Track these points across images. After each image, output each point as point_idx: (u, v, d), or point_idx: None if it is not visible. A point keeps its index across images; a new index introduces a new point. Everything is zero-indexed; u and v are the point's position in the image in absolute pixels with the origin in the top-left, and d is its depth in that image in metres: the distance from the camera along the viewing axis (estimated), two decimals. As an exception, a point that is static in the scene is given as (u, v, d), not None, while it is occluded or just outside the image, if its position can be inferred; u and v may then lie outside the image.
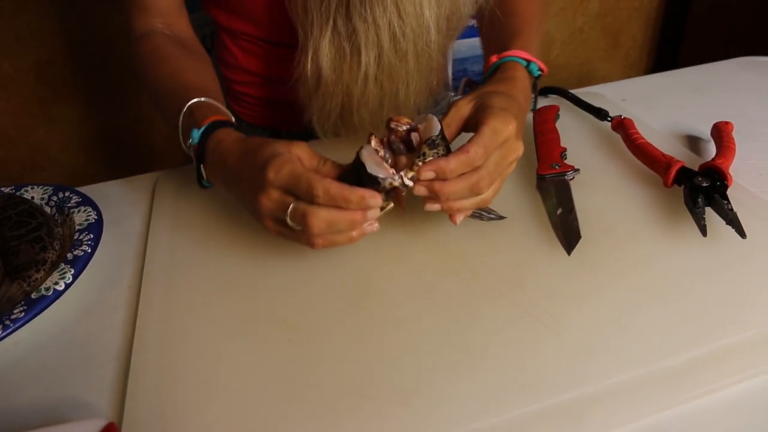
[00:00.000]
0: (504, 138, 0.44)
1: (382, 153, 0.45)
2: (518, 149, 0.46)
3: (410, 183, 0.43)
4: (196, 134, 0.50)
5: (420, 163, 0.43)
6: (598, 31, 1.58)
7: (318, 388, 0.38)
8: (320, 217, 0.41)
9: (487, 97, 0.48)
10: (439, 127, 0.44)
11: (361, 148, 0.44)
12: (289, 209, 0.42)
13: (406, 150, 0.46)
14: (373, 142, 0.45)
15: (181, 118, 0.53)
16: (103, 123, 1.30)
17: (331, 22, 0.53)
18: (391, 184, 0.42)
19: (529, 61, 0.56)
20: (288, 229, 0.44)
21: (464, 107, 0.48)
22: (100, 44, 1.17)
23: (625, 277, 0.45)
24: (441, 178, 0.43)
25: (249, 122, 0.78)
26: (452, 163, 0.42)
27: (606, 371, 0.38)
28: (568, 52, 1.58)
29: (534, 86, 0.59)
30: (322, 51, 0.55)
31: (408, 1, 0.52)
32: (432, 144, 0.43)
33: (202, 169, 0.51)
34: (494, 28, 0.63)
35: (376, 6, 0.52)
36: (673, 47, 1.62)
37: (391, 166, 0.44)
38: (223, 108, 0.54)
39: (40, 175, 1.31)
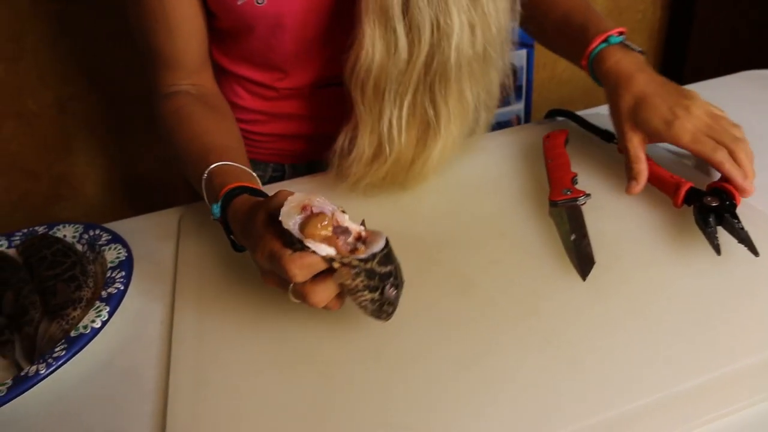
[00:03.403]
0: (705, 121, 0.55)
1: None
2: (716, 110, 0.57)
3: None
4: (216, 209, 0.51)
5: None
6: (603, 44, 1.59)
7: (343, 418, 0.40)
8: (320, 298, 0.42)
9: (641, 118, 0.56)
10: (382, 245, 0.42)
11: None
12: (290, 291, 0.43)
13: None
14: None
15: (203, 185, 0.54)
16: (123, 155, 1.34)
17: (408, 100, 0.55)
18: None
19: (608, 37, 0.61)
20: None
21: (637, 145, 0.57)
22: (117, 78, 1.22)
23: (640, 302, 0.47)
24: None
25: (251, 158, 0.76)
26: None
27: (623, 397, 0.40)
28: (574, 67, 1.58)
29: (626, 47, 0.62)
30: (393, 129, 0.56)
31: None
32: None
33: (232, 237, 0.51)
34: (557, 28, 0.69)
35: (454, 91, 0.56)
36: (678, 57, 1.63)
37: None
38: (241, 166, 0.55)
39: (64, 206, 1.36)
